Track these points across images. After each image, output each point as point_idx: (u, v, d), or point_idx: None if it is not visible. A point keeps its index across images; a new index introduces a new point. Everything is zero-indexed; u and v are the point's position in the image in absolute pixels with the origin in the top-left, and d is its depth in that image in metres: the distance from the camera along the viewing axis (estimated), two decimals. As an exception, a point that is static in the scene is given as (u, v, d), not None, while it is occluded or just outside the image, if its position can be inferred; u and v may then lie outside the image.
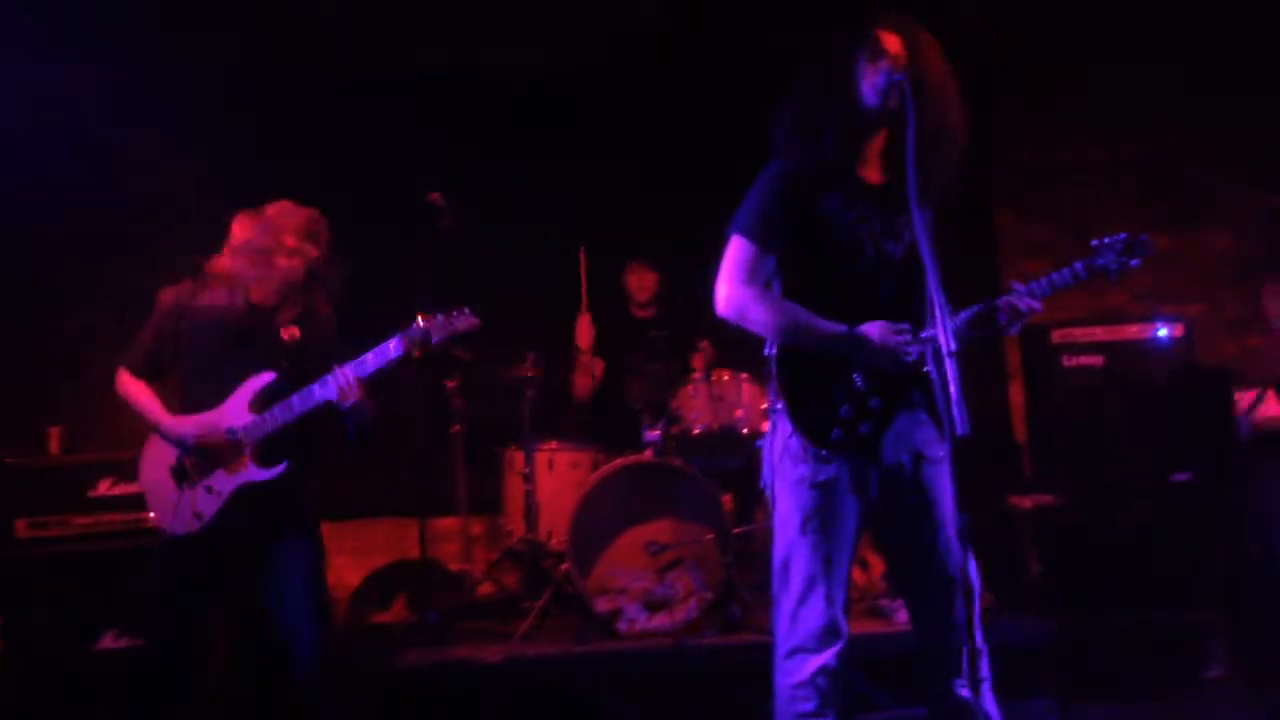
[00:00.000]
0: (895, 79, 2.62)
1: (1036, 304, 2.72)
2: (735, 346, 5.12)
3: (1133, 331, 4.80)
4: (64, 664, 4.13)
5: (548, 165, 6.05)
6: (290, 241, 3.54)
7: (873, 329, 2.67)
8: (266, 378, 3.47)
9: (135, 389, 3.53)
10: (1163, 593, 4.55)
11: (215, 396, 3.46)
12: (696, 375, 4.97)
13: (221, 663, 4.08)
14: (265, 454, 3.44)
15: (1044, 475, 4.95)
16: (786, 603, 2.73)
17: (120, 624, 4.16)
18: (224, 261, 3.55)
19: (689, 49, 6.14)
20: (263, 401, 3.45)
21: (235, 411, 3.45)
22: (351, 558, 6.04)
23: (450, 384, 5.37)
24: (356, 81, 6.08)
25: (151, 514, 3.49)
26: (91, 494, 4.28)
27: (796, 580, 2.72)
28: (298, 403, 3.43)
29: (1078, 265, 2.73)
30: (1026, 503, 4.86)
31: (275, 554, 3.45)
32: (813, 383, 2.71)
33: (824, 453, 2.71)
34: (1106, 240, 2.72)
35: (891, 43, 2.70)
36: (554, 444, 5.21)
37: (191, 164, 5.96)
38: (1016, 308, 2.72)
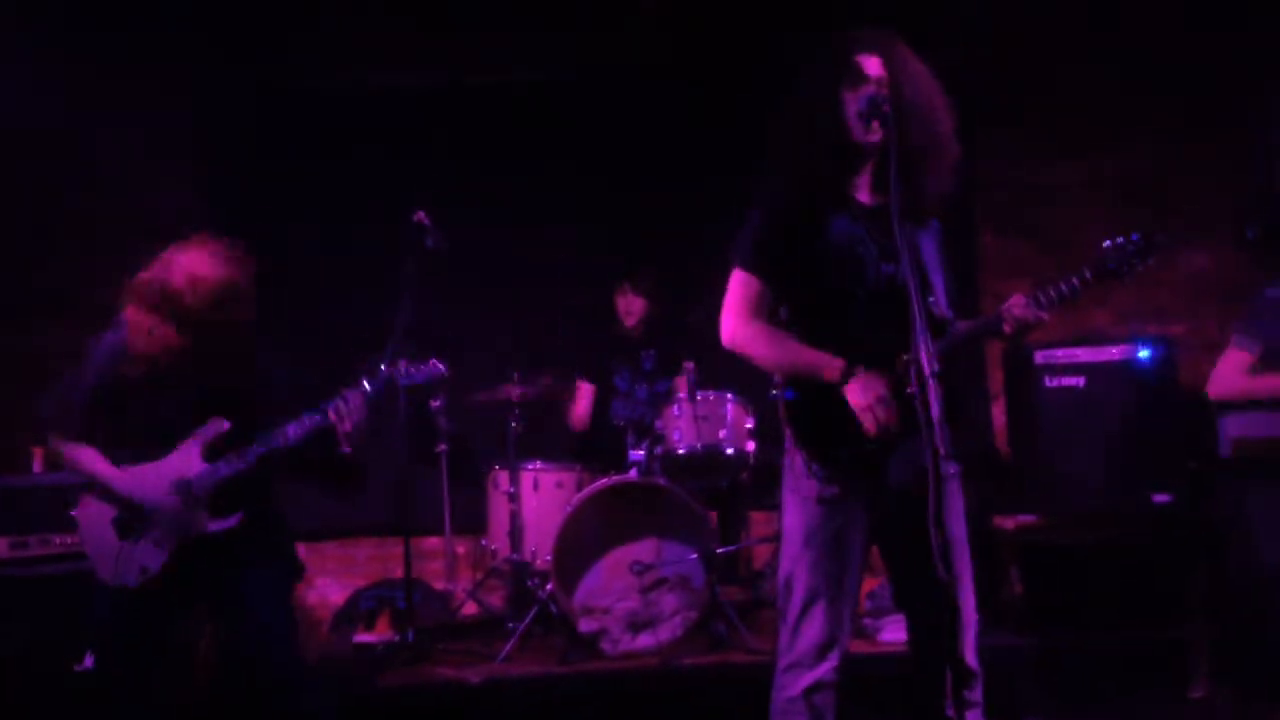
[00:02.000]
0: (877, 102, 2.64)
1: (1045, 314, 2.73)
2: (721, 367, 5.14)
3: (1114, 353, 4.83)
4: (45, 683, 4.09)
5: (537, 184, 6.06)
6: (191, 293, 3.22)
7: (855, 390, 2.65)
8: (219, 426, 3.33)
9: (79, 455, 3.33)
10: (1145, 612, 4.57)
11: (161, 446, 3.32)
12: (681, 395, 4.97)
13: (210, 669, 4.05)
14: (218, 503, 3.31)
15: (1027, 495, 4.97)
16: (789, 617, 2.76)
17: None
18: (140, 309, 3.26)
19: (687, 69, 6.19)
20: (215, 450, 3.32)
21: (185, 461, 3.31)
22: (334, 577, 6.03)
23: (435, 403, 5.37)
24: (349, 94, 6.10)
25: (94, 567, 3.30)
26: (73, 513, 4.25)
27: (798, 596, 2.74)
28: (255, 451, 3.31)
29: (1087, 272, 2.75)
30: (1009, 523, 4.89)
31: (235, 588, 3.33)
32: (819, 403, 2.72)
33: (829, 473, 2.72)
34: (1119, 240, 2.74)
35: (871, 65, 2.72)
36: (539, 463, 5.21)
37: (172, 179, 5.96)
38: (1024, 320, 2.73)
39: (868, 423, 2.62)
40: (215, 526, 3.30)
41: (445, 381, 3.64)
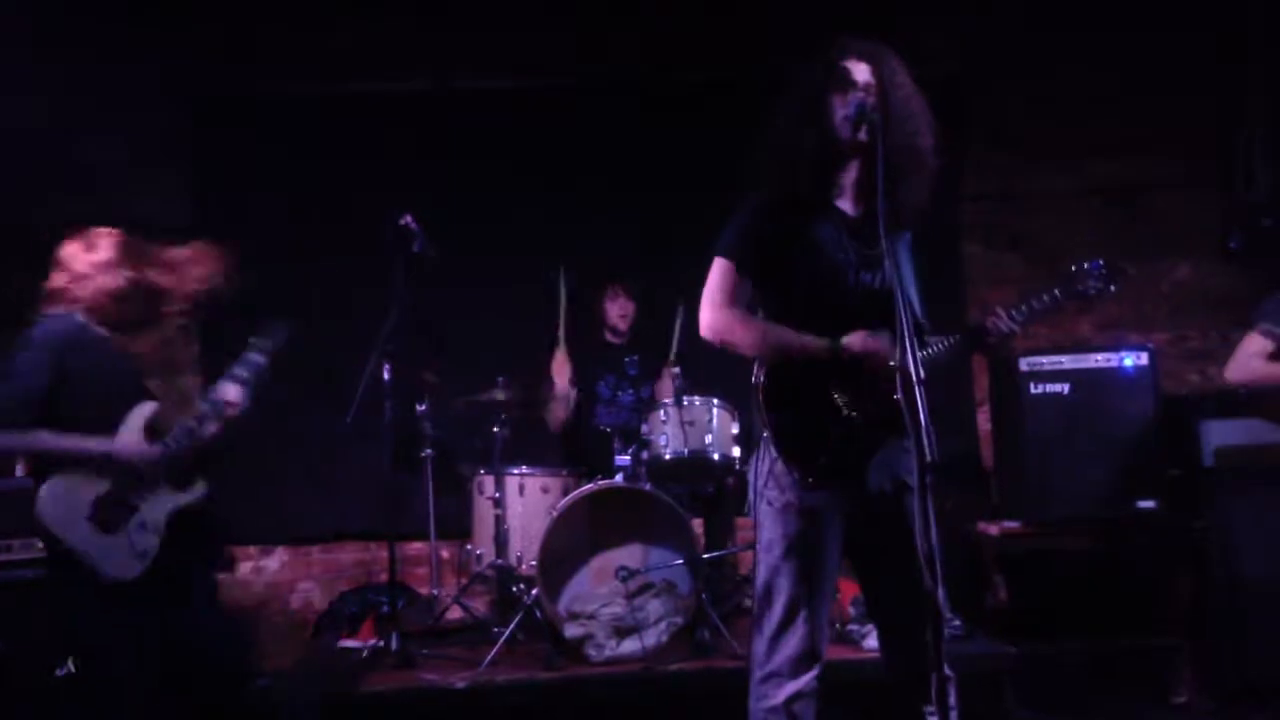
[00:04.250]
0: (864, 109, 2.65)
1: (1018, 327, 2.77)
2: (706, 372, 5.14)
3: (1098, 360, 4.86)
4: (26, 687, 4.06)
5: (524, 189, 6.04)
6: (125, 269, 3.42)
7: (855, 337, 2.69)
8: (149, 407, 3.41)
9: (42, 438, 3.27)
10: (1128, 619, 4.60)
11: (102, 432, 3.34)
12: (667, 400, 4.97)
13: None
14: (182, 479, 3.41)
15: (1011, 502, 4.99)
16: (767, 628, 2.75)
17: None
18: (76, 289, 3.42)
19: (684, 74, 6.20)
20: (156, 430, 3.39)
21: (131, 444, 3.34)
22: (318, 581, 6.01)
23: (420, 408, 5.36)
24: (336, 101, 6.08)
25: (99, 568, 3.26)
26: (42, 520, 4.21)
27: (779, 606, 2.73)
28: (194, 424, 3.40)
29: (1056, 290, 2.78)
30: (993, 529, 4.90)
31: (189, 580, 3.43)
32: (799, 410, 2.73)
33: (810, 480, 2.72)
34: (1086, 266, 2.78)
35: (860, 71, 2.73)
36: (524, 468, 5.20)
37: (164, 183, 5.94)
38: (1001, 330, 2.76)
39: (878, 361, 2.64)
40: (189, 498, 3.41)
41: (283, 339, 3.71)
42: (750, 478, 2.87)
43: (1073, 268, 2.80)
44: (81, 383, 3.32)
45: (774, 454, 2.76)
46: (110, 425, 3.34)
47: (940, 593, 2.68)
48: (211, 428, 3.44)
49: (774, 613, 2.74)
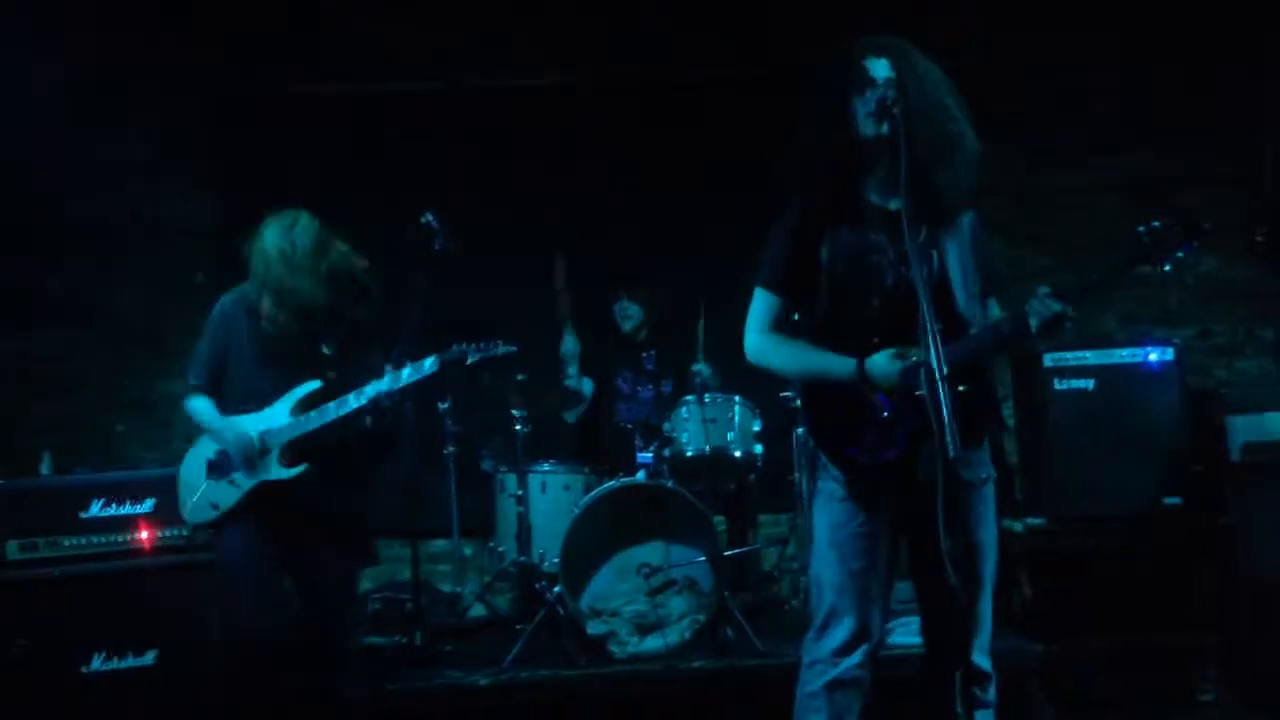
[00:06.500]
0: (886, 104, 2.63)
1: (1070, 308, 2.58)
2: (728, 369, 5.13)
3: (1124, 355, 4.81)
4: (54, 686, 4.09)
5: (538, 189, 6.05)
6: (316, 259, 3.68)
7: (877, 362, 2.69)
8: (310, 385, 3.67)
9: (193, 404, 3.76)
10: (1154, 616, 4.56)
11: (260, 402, 3.67)
12: (689, 397, 4.97)
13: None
14: (290, 455, 3.62)
15: (1035, 499, 4.96)
16: (816, 615, 2.78)
17: (110, 646, 4.12)
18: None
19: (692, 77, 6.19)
20: (303, 407, 3.65)
21: (276, 415, 3.65)
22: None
23: (442, 406, 5.36)
24: (352, 101, 6.10)
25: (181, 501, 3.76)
26: (83, 515, 4.25)
27: (824, 593, 2.77)
28: (333, 408, 3.60)
29: (1116, 262, 2.65)
30: (1018, 526, 4.87)
31: (308, 561, 3.67)
32: (836, 408, 2.76)
33: (852, 474, 2.75)
34: (1155, 225, 2.58)
35: (879, 68, 2.71)
36: (546, 466, 5.20)
37: (179, 183, 5.98)
38: (1051, 314, 2.58)
39: (903, 379, 2.63)
40: (282, 475, 3.60)
41: (512, 359, 3.86)
42: (809, 469, 2.91)
43: (1139, 230, 2.58)
44: (239, 354, 3.74)
45: (817, 448, 2.81)
46: (269, 395, 3.68)
47: (989, 590, 2.70)
48: (340, 415, 3.62)
49: (820, 600, 2.78)
